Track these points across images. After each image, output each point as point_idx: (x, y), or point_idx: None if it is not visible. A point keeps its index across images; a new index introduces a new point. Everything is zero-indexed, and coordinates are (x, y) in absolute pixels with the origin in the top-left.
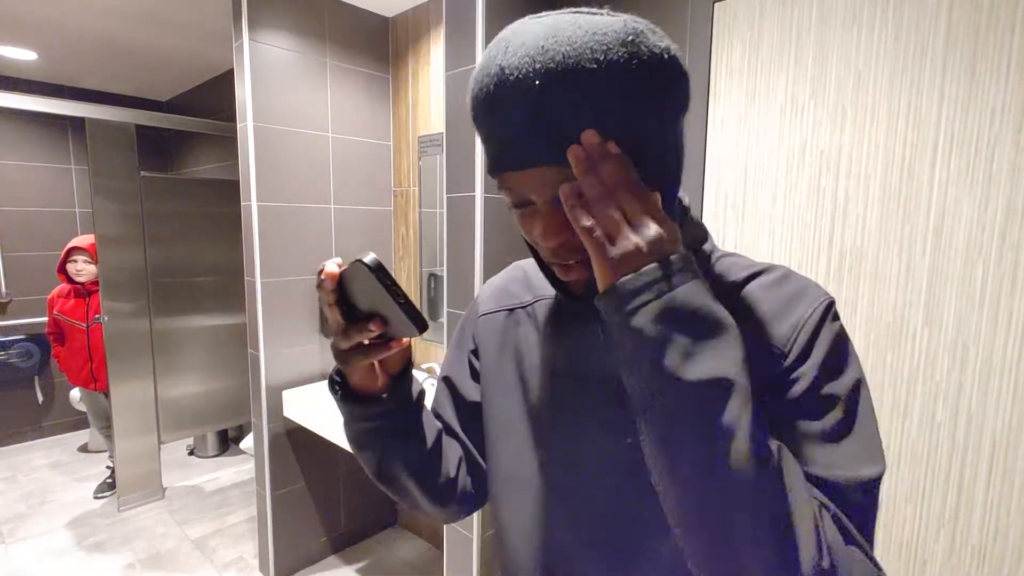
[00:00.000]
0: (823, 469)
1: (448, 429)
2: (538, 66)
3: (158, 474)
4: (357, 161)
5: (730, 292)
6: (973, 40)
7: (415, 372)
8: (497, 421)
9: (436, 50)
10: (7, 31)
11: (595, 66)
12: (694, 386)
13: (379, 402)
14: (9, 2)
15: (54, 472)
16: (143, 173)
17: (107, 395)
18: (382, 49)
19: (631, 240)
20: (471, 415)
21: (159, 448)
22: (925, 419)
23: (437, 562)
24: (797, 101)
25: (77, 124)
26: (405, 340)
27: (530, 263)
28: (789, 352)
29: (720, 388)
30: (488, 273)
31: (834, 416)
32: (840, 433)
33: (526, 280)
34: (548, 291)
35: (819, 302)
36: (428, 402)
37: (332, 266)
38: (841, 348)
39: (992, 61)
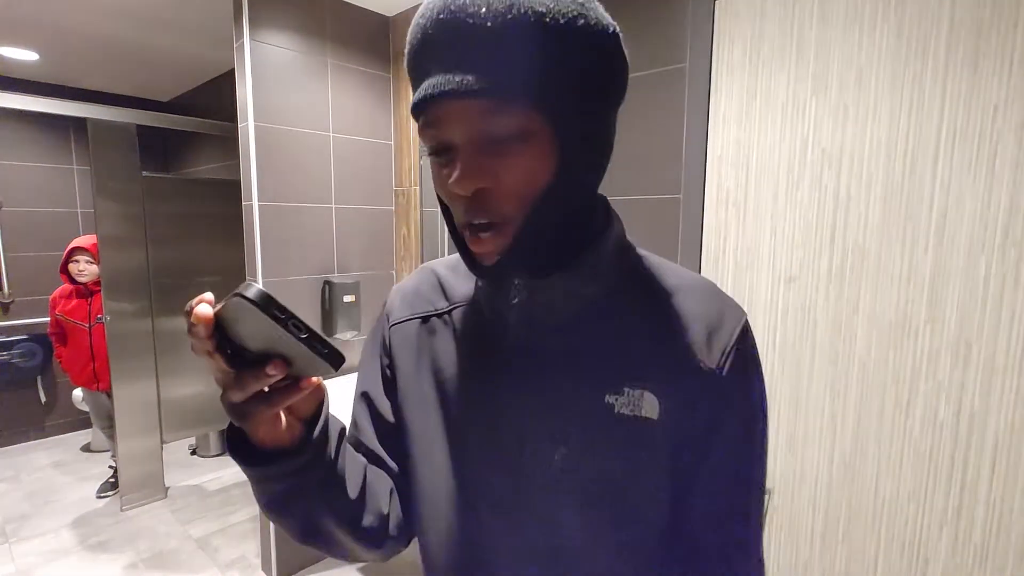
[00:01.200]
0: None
1: (372, 457)
2: (491, 1)
3: (160, 474)
4: (358, 161)
5: (662, 294)
6: (975, 36)
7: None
8: (416, 438)
9: None
10: (9, 32)
11: (544, 10)
12: None
13: (294, 455)
14: (11, 3)
15: (57, 472)
16: (145, 173)
17: (109, 395)
18: (383, 48)
19: None
20: (393, 435)
21: (161, 448)
22: (927, 417)
23: None
24: (799, 98)
25: (79, 125)
26: (315, 378)
27: (442, 264)
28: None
29: None
30: None
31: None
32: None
33: (439, 284)
34: (466, 296)
35: (741, 320)
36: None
37: (204, 307)
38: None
39: (995, 57)
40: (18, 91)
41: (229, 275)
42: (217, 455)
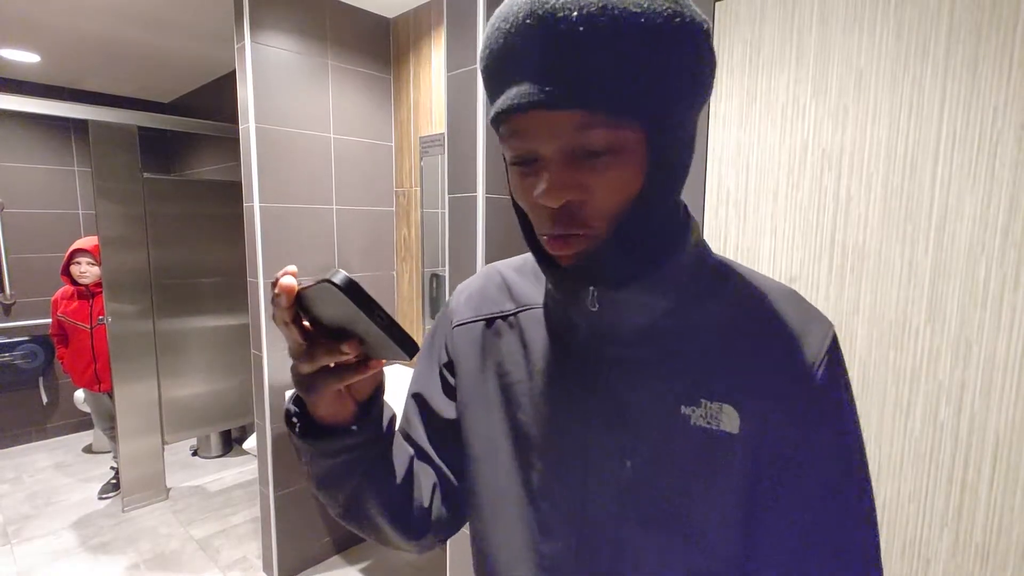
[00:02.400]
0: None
1: (420, 453)
2: (582, 4)
3: (162, 475)
4: (359, 162)
5: (758, 297)
6: (975, 38)
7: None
8: (481, 439)
9: (437, 51)
10: (10, 34)
11: (639, 10)
12: None
13: (348, 434)
14: (12, 5)
15: (59, 473)
16: (146, 175)
17: (111, 396)
18: (383, 50)
19: None
20: (445, 435)
21: (163, 449)
22: (928, 417)
23: (440, 561)
24: (799, 100)
25: (80, 126)
26: (384, 360)
27: (507, 265)
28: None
29: None
30: None
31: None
32: None
33: (506, 285)
34: (533, 299)
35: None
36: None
37: (288, 279)
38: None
39: (994, 59)
40: (19, 93)
41: (230, 276)
42: (218, 456)
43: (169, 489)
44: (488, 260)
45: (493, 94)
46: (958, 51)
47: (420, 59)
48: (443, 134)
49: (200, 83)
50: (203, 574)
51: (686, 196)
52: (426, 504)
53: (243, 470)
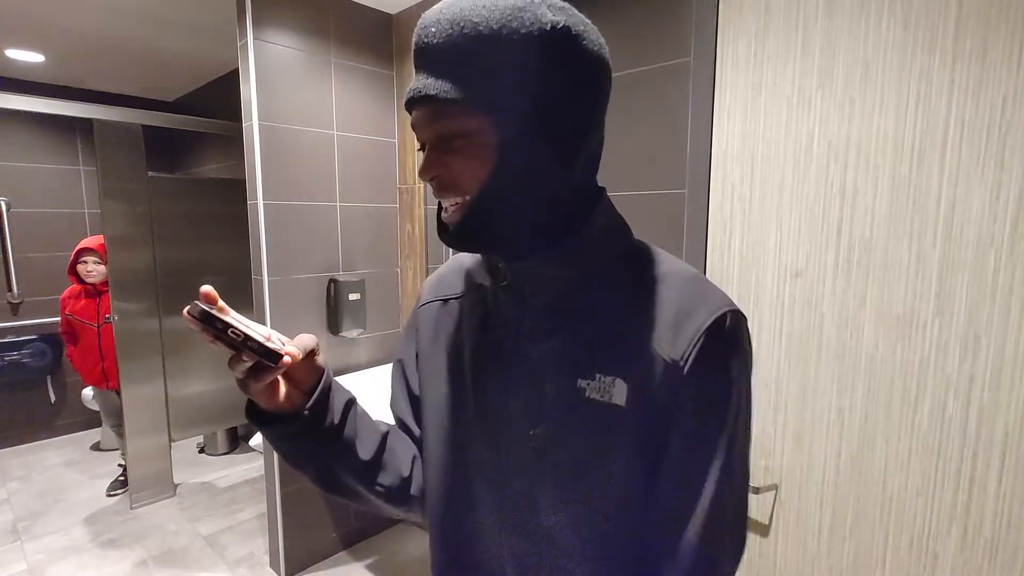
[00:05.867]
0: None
1: (401, 424)
2: (441, 17)
3: (169, 472)
4: (362, 159)
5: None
6: (983, 27)
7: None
8: (428, 409)
9: None
10: (15, 34)
11: (479, 20)
12: None
13: (296, 420)
14: (17, 5)
15: (68, 470)
16: (151, 173)
17: (119, 394)
18: (386, 46)
19: None
20: (418, 406)
21: (170, 446)
22: (936, 412)
23: None
24: (804, 92)
25: (85, 125)
26: (284, 360)
27: (469, 257)
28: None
29: None
30: None
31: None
32: None
33: (461, 270)
34: (482, 283)
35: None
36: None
37: (191, 307)
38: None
39: (1003, 48)
40: (25, 93)
41: (236, 274)
42: (225, 453)
43: (177, 486)
44: None
45: None
46: (966, 41)
47: None
48: None
49: (204, 81)
50: (211, 570)
51: (689, 188)
52: (405, 474)
53: (250, 467)
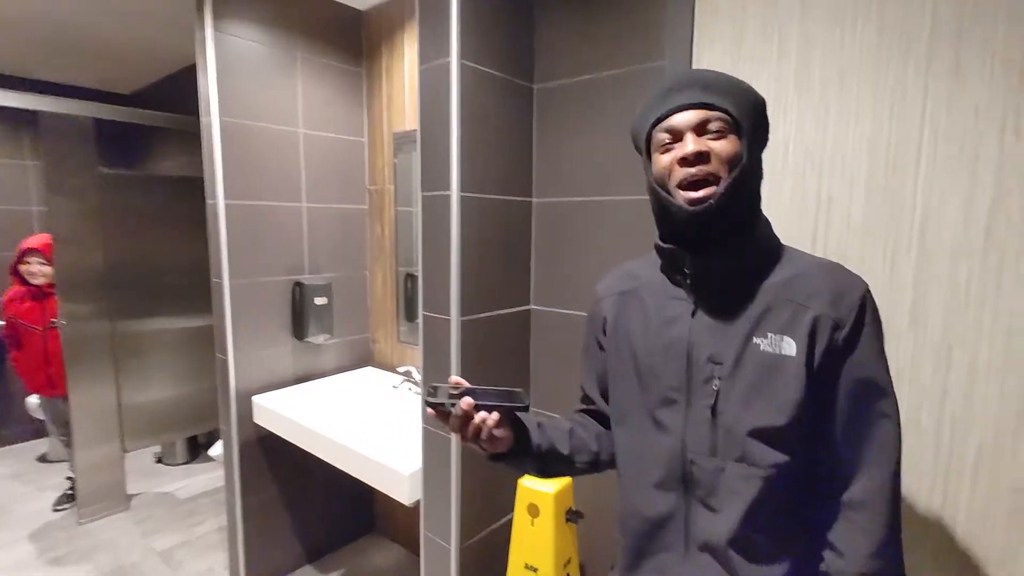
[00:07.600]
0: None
1: (586, 399)
2: (709, 71)
3: (122, 483)
4: (330, 158)
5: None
6: (957, 36)
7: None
8: (616, 376)
9: (410, 44)
10: None
11: (737, 81)
12: None
13: (508, 456)
14: None
15: (12, 483)
16: (103, 169)
17: (66, 401)
18: (355, 43)
19: None
20: (604, 382)
21: (123, 456)
22: (909, 424)
23: (414, 569)
24: (780, 98)
25: (34, 118)
26: (497, 434)
27: (630, 263)
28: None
29: None
30: (465, 274)
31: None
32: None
33: (631, 274)
34: (651, 278)
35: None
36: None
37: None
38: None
39: (976, 57)
40: None
41: (194, 276)
42: (184, 463)
43: (131, 498)
44: (464, 260)
45: (659, 105)
46: (941, 49)
47: (393, 52)
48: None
49: (164, 74)
50: None
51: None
52: (594, 448)
53: (210, 477)
